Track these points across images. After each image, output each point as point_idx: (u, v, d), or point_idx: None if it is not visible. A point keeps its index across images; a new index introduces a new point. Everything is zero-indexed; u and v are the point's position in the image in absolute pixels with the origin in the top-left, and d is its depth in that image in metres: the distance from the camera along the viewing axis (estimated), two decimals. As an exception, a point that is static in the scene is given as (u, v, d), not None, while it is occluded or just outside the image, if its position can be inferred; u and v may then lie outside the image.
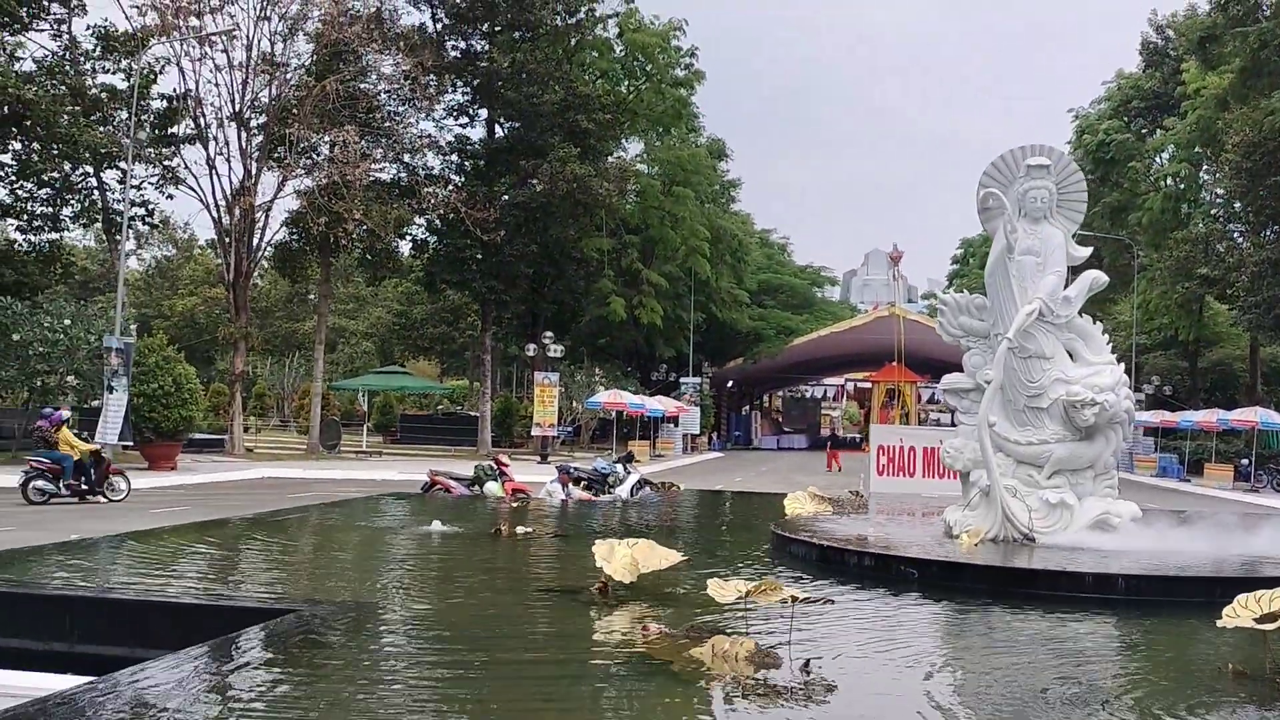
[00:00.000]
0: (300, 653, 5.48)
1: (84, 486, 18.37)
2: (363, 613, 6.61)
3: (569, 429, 43.95)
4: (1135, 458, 42.53)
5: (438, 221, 36.36)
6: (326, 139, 30.83)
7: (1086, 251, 10.66)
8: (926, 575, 8.29)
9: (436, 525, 11.05)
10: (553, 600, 7.35)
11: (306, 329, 58.37)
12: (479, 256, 35.75)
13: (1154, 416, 41.25)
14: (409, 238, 37.66)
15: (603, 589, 7.30)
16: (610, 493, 17.09)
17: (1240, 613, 5.78)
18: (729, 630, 5.97)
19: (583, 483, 17.16)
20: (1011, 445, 10.07)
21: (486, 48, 36.81)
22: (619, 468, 18.30)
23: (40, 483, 17.95)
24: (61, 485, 18.08)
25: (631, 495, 17.09)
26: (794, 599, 5.96)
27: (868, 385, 67.40)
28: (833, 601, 6.81)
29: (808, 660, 5.34)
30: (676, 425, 46.76)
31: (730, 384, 64.06)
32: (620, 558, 7.25)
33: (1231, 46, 34.62)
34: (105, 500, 18.46)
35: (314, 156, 32.16)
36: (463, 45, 37.12)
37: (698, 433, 49.64)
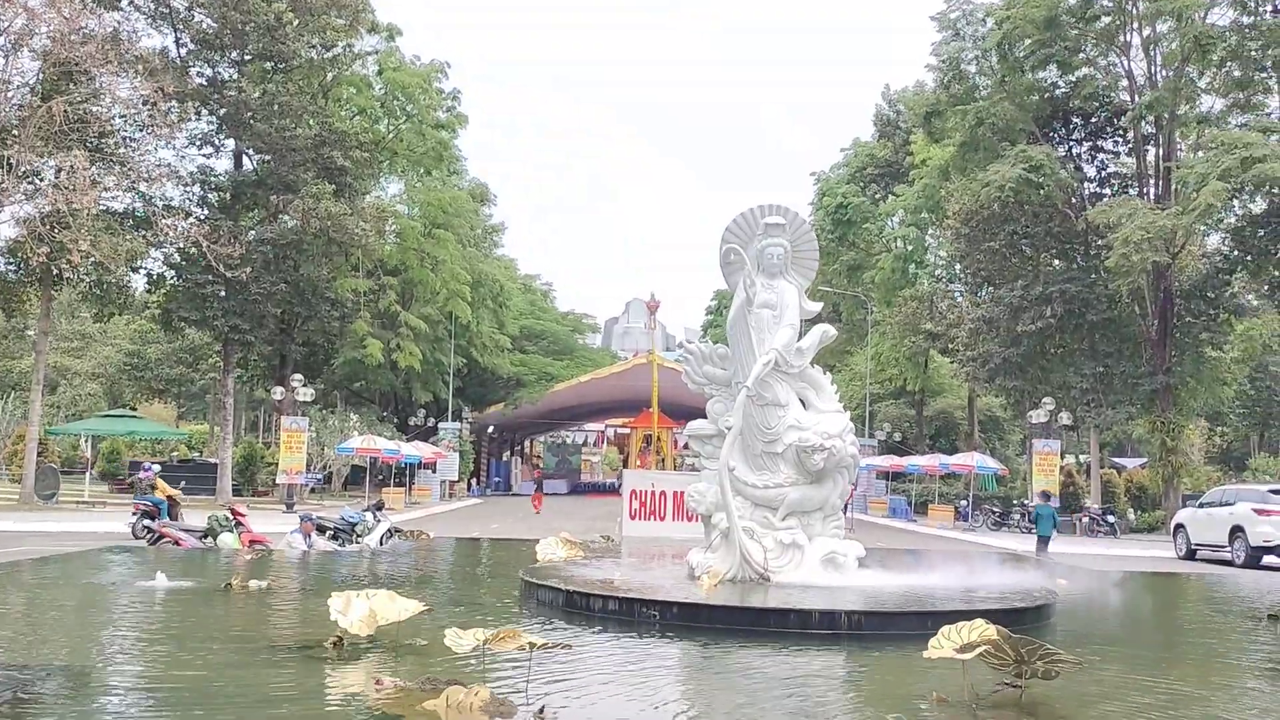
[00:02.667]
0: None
1: None
2: (77, 677, 6.03)
3: (319, 476, 42.15)
4: (869, 500, 45.44)
5: (177, 255, 34.23)
6: (52, 163, 28.43)
7: (818, 306, 11.32)
8: (668, 617, 8.47)
9: (161, 580, 10.28)
10: (284, 658, 6.97)
11: (23, 367, 53.30)
12: (222, 294, 33.84)
13: (885, 461, 44.21)
14: (144, 272, 35.23)
15: (338, 643, 7.01)
16: (358, 542, 16.48)
17: (944, 644, 6.23)
18: (466, 681, 5.85)
19: (328, 532, 16.46)
20: (750, 489, 10.49)
21: (235, 76, 35.22)
22: (368, 516, 17.70)
23: None
24: None
25: (381, 544, 16.56)
26: (532, 645, 5.92)
27: (627, 431, 68.63)
28: (569, 646, 6.82)
29: (542, 707, 5.31)
30: (434, 471, 45.82)
31: (491, 429, 63.51)
32: (357, 610, 6.99)
33: (953, 122, 38.05)
34: None
35: (36, 181, 29.57)
36: (209, 72, 35.33)
37: (456, 479, 48.85)
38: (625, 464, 61.76)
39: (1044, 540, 21.69)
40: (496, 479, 62.82)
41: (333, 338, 40.92)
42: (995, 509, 36.55)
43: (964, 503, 38.09)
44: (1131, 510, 39.72)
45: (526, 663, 6.22)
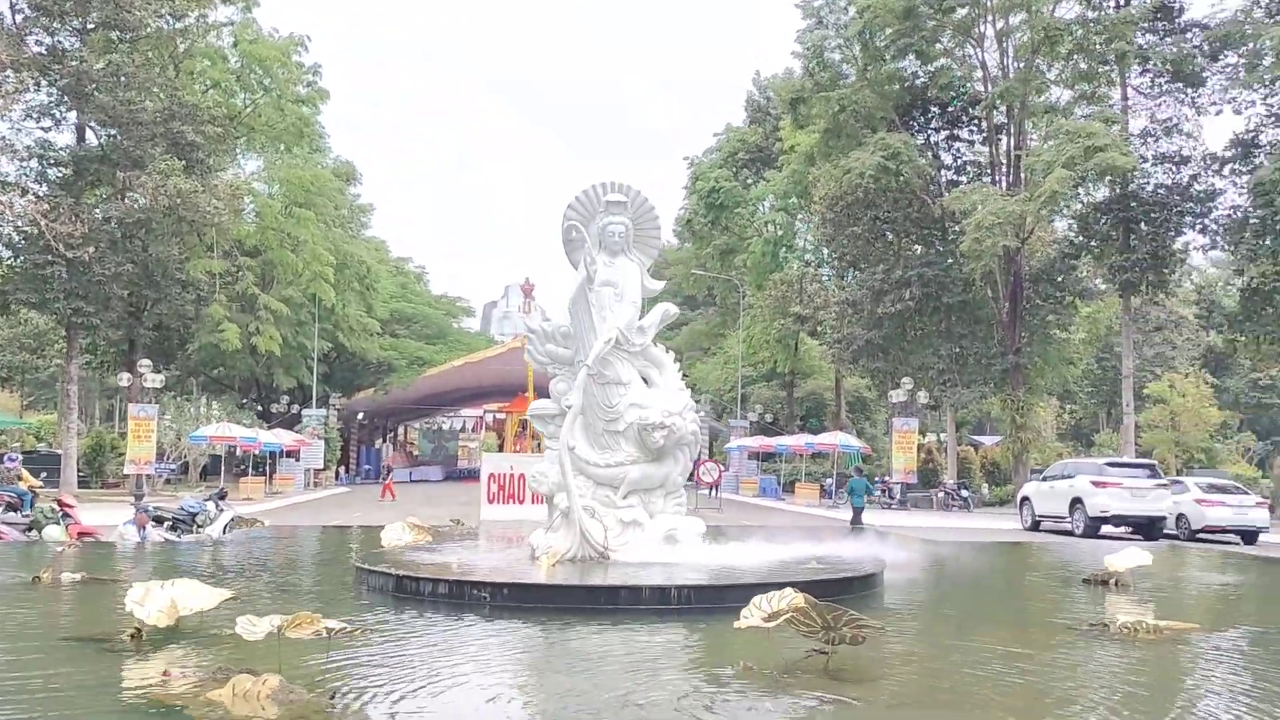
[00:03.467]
0: None
1: None
2: None
3: (173, 466, 40.47)
4: (740, 479, 46.16)
5: (13, 234, 32.29)
6: None
7: (660, 284, 11.31)
8: (499, 598, 8.35)
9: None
10: (77, 651, 6.58)
11: None
12: (64, 275, 32.05)
13: (755, 442, 44.91)
14: (-23, 252, 33.19)
15: (136, 635, 6.65)
16: (198, 533, 15.82)
17: (754, 613, 6.28)
18: (268, 671, 5.61)
19: (166, 523, 15.76)
20: (592, 467, 10.44)
21: (77, 46, 33.34)
22: (209, 506, 17.01)
23: None
24: None
25: (225, 534, 15.93)
26: (330, 631, 5.71)
27: (504, 416, 68.00)
28: (372, 630, 6.61)
29: (334, 692, 5.12)
30: (298, 460, 44.52)
31: (361, 416, 62.11)
32: (157, 601, 6.65)
33: (817, 109, 38.74)
34: None
35: None
36: (48, 41, 33.36)
37: (322, 467, 47.57)
38: (501, 449, 61.18)
39: (858, 512, 22.47)
40: (367, 466, 61.50)
41: (187, 321, 39.25)
42: (857, 487, 37.47)
43: (829, 481, 38.98)
44: (986, 485, 41.36)
45: (350, 649, 6.02)
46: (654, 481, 10.48)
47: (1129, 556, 10.22)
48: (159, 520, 15.60)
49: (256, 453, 38.70)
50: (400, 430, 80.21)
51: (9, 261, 33.66)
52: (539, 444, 58.26)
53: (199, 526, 15.96)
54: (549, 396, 11.07)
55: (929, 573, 11.95)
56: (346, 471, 56.85)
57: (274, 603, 8.39)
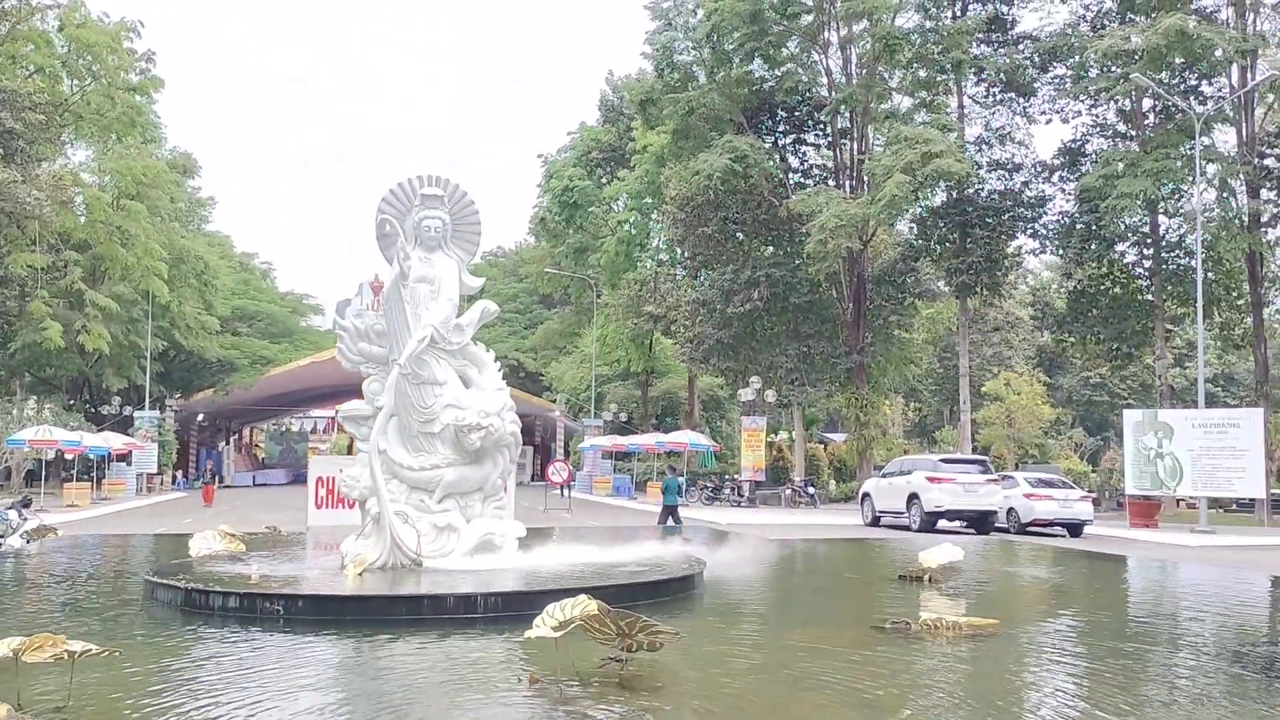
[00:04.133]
0: None
1: None
2: None
3: (-9, 472, 37.88)
4: (594, 479, 46.09)
5: None
6: None
7: (480, 281, 10.99)
8: (293, 611, 7.90)
9: None
10: None
11: None
12: None
13: (608, 441, 44.92)
14: None
15: None
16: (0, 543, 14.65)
17: (545, 622, 6.05)
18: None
19: (-45, 535, 14.52)
20: (406, 471, 10.04)
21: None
22: (10, 515, 15.79)
23: None
24: None
25: (28, 544, 14.81)
26: (71, 654, 5.22)
27: (354, 417, 66.04)
28: (118, 652, 6.10)
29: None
30: (130, 464, 42.30)
31: (201, 417, 59.50)
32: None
33: (667, 110, 38.98)
34: None
35: None
36: None
37: (155, 471, 45.33)
38: (350, 450, 59.51)
39: (669, 509, 22.68)
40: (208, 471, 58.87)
41: (10, 319, 36.84)
42: (709, 485, 37.90)
43: (682, 480, 39.24)
44: (834, 481, 42.40)
45: (108, 670, 5.52)
46: (472, 484, 10.16)
47: (941, 553, 10.43)
48: (-53, 533, 14.37)
49: (84, 456, 36.57)
50: (245, 432, 77.26)
51: None
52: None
53: (0, 536, 14.78)
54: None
55: (756, 571, 11.98)
56: (185, 476, 54.41)
57: (49, 622, 7.75)
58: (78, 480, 36.59)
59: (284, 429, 79.19)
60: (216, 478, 40.18)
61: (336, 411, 11.21)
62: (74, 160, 42.95)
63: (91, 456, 37.25)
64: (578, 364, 55.02)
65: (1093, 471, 47.49)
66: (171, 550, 13.46)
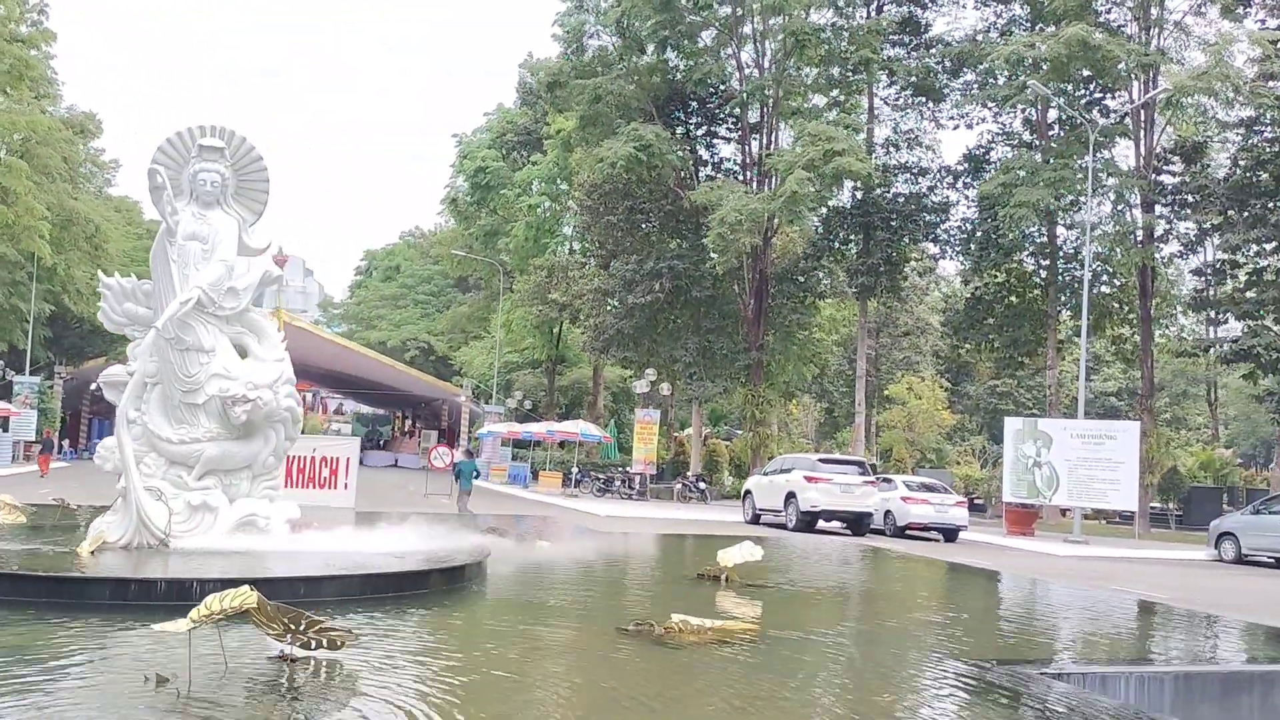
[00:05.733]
0: None
1: None
2: None
3: None
4: (491, 466, 45.31)
5: None
6: None
7: (266, 243, 10.23)
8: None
9: None
10: None
11: None
12: None
13: (504, 428, 44.20)
14: None
15: None
16: None
17: (199, 614, 5.38)
18: None
19: None
20: (165, 444, 9.30)
21: None
22: None
23: None
24: None
25: None
26: None
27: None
28: None
29: None
30: (5, 430, 40.59)
31: (94, 386, 57.37)
32: None
33: (576, 95, 38.24)
34: None
35: None
36: None
37: (34, 439, 43.46)
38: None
39: (465, 494, 22.18)
40: (96, 440, 56.93)
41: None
42: (599, 477, 37.38)
43: (575, 470, 38.70)
44: (730, 477, 42.16)
45: None
46: (238, 461, 9.44)
47: (738, 552, 9.99)
48: None
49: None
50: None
51: None
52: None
53: None
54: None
55: (558, 565, 11.43)
56: (73, 446, 52.50)
57: None
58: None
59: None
60: (55, 448, 38.59)
61: (98, 378, 10.38)
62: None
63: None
64: (487, 349, 54.17)
65: (992, 478, 47.91)
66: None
